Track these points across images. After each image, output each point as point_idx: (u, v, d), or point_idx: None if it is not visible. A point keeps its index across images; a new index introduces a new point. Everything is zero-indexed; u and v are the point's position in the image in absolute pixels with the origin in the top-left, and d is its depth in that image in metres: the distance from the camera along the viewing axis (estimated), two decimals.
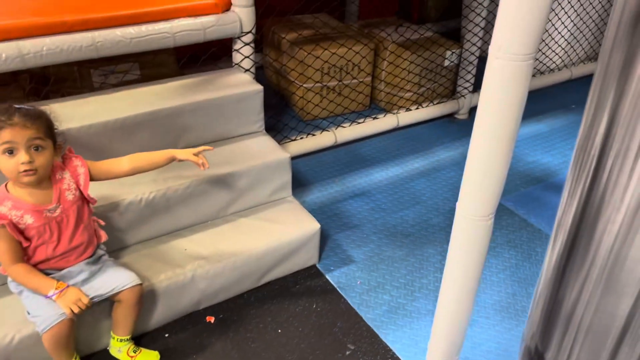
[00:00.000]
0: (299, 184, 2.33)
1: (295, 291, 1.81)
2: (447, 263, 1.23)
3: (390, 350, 1.62)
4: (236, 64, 2.14)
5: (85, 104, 1.81)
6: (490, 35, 0.96)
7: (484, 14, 2.72)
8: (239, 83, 2.00)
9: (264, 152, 1.94)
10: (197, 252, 1.70)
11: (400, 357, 1.60)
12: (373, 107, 2.96)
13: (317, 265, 1.93)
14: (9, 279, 1.40)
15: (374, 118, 2.70)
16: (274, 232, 1.81)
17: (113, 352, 1.54)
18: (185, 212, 1.78)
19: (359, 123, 2.66)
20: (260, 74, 2.13)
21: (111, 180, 1.52)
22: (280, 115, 2.78)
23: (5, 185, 1.33)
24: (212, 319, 1.69)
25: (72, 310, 1.31)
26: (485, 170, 1.04)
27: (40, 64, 1.71)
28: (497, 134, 0.98)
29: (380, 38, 2.89)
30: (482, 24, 2.75)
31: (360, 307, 1.76)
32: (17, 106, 1.26)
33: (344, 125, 2.62)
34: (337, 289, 1.83)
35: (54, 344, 1.36)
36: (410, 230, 2.12)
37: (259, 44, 2.16)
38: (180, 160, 1.53)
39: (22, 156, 1.24)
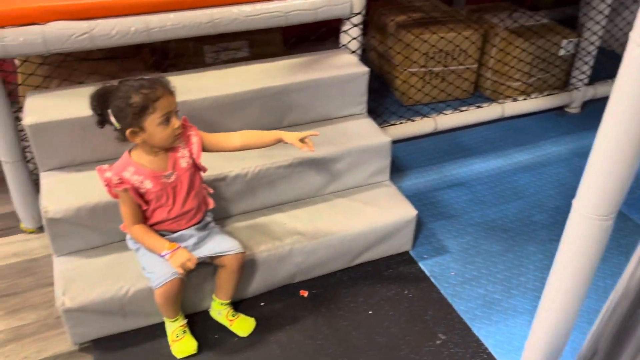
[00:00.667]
0: (397, 169, 2.31)
1: (388, 275, 1.82)
2: (556, 262, 1.17)
3: (483, 344, 1.59)
4: (343, 45, 2.15)
5: (200, 78, 1.90)
6: (615, 24, 0.88)
7: (608, 0, 2.52)
8: (345, 64, 2.01)
9: (365, 134, 1.94)
10: (295, 227, 1.75)
11: (493, 353, 1.56)
12: (477, 95, 2.86)
13: (410, 252, 1.91)
14: (128, 237, 1.53)
15: (478, 107, 2.61)
16: (370, 215, 1.81)
17: (213, 314, 1.63)
18: (286, 188, 1.83)
19: (462, 111, 2.58)
20: (362, 57, 2.12)
21: (221, 153, 1.59)
22: (381, 99, 2.77)
23: (129, 152, 1.43)
24: (305, 293, 1.74)
25: (182, 269, 1.40)
26: (611, 166, 0.97)
27: (164, 38, 1.81)
28: (630, 127, 0.92)
29: (491, 24, 2.78)
30: (606, 12, 2.55)
31: (453, 299, 1.73)
32: (152, 77, 1.36)
33: (446, 112, 2.56)
34: (430, 277, 1.81)
35: (165, 299, 1.47)
36: (510, 226, 2.04)
37: (364, 25, 2.15)
38: (286, 143, 1.56)
39: (175, 121, 1.36)
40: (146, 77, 1.35)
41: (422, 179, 2.30)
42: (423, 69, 2.69)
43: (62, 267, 1.58)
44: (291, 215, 1.81)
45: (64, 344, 1.57)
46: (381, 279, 1.80)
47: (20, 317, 1.66)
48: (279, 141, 1.56)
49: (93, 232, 1.62)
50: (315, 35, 2.23)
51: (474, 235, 2.00)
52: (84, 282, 1.53)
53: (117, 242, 1.65)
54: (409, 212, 1.84)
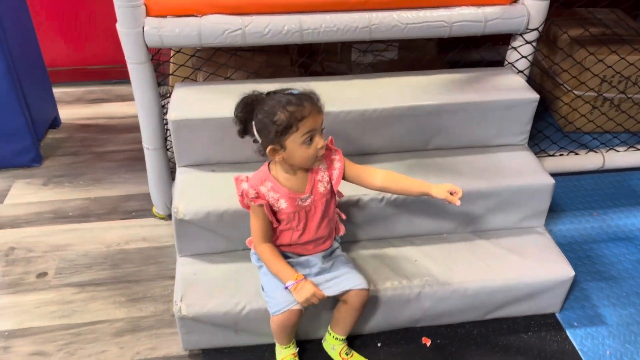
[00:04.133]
0: (549, 208, 2.02)
1: (527, 339, 1.57)
2: None
3: None
4: (509, 63, 1.89)
5: (346, 87, 1.76)
6: None
7: None
8: (510, 87, 1.76)
9: (524, 171, 1.69)
10: (427, 267, 1.57)
11: None
12: None
13: (557, 315, 1.64)
14: (252, 251, 1.45)
15: None
16: (517, 267, 1.57)
17: (327, 347, 1.51)
18: (423, 220, 1.65)
19: (637, 149, 2.19)
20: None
21: None
22: (537, 121, 2.44)
23: (268, 165, 1.34)
24: (428, 342, 1.56)
25: (305, 303, 1.30)
26: None
27: (316, 40, 1.70)
28: None
29: None
30: None
31: None
32: (302, 93, 1.24)
33: (618, 148, 2.19)
34: (579, 351, 1.54)
35: (281, 327, 1.37)
36: None
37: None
38: (433, 197, 1.36)
39: (319, 141, 1.24)
40: (295, 93, 1.23)
41: (579, 225, 1.98)
42: (593, 93, 2.32)
43: (184, 269, 1.55)
44: (424, 251, 1.62)
45: (176, 345, 1.55)
46: (518, 342, 1.56)
47: (140, 307, 1.67)
48: (425, 195, 1.36)
49: (219, 237, 1.57)
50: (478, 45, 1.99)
51: (639, 307, 1.67)
52: (203, 289, 1.48)
53: (240, 251, 1.59)
54: (564, 270, 1.57)
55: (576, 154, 2.17)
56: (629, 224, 1.99)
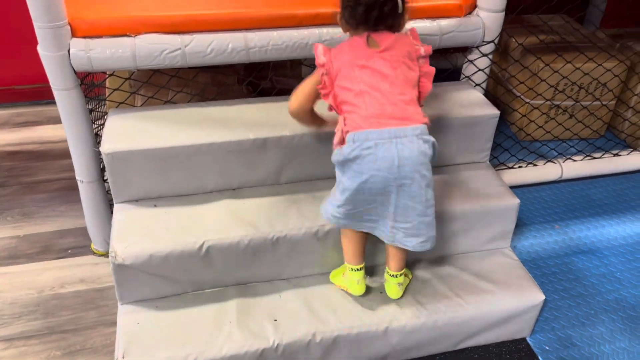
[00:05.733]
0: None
1: None
2: None
3: None
4: (465, 77, 1.82)
5: None
6: None
7: None
8: (471, 103, 1.69)
9: (488, 191, 1.62)
10: (394, 299, 1.47)
11: None
12: (608, 138, 2.42)
13: (528, 340, 1.57)
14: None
15: (616, 154, 2.19)
16: (487, 294, 1.49)
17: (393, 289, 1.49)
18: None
19: (594, 158, 2.18)
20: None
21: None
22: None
23: None
24: None
25: None
26: None
27: (264, 59, 1.57)
28: None
29: (639, 54, 2.33)
30: None
31: None
32: None
33: (575, 158, 2.17)
34: None
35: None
36: None
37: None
38: None
39: None
40: None
41: (542, 240, 1.93)
42: (548, 103, 2.30)
43: (126, 319, 1.38)
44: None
45: None
46: None
47: None
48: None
49: (164, 281, 1.42)
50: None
51: (608, 325, 1.62)
52: (148, 341, 1.32)
53: (189, 294, 1.44)
54: (534, 295, 1.50)
55: (535, 165, 2.13)
56: (591, 235, 1.96)
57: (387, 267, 1.45)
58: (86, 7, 1.51)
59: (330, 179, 1.41)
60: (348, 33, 1.32)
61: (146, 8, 1.54)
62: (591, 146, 2.28)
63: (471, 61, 1.78)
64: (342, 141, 1.26)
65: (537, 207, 2.09)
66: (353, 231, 1.38)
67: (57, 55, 1.42)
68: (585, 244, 1.92)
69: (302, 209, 1.50)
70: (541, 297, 1.50)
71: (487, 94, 2.53)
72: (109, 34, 1.47)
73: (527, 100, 2.31)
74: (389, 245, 1.39)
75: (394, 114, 1.22)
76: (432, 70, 1.31)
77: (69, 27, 1.43)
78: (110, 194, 1.65)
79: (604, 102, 2.33)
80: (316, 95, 1.34)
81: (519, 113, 2.36)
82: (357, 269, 1.42)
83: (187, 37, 1.50)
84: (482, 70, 1.78)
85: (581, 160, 2.16)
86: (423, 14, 1.66)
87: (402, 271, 1.45)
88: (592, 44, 2.33)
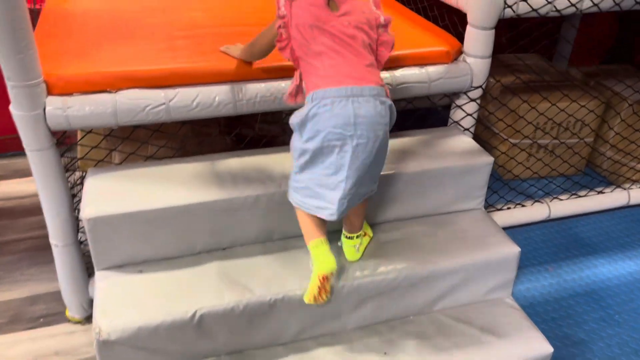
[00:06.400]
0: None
1: None
2: None
3: None
4: (454, 122, 1.80)
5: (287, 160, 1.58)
6: None
7: None
8: (463, 151, 1.66)
9: (487, 240, 1.58)
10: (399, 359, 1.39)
11: None
12: (588, 173, 2.44)
13: None
14: None
15: (600, 192, 2.20)
16: (491, 348, 1.43)
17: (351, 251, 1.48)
18: (388, 303, 1.48)
19: (580, 196, 2.18)
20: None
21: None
22: None
23: None
24: None
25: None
26: None
27: (252, 111, 1.52)
28: None
29: (614, 91, 2.38)
30: None
31: None
32: None
33: (561, 197, 2.17)
34: None
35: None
36: None
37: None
38: None
39: None
40: None
41: (537, 284, 1.90)
42: (528, 141, 2.31)
43: None
44: (391, 340, 1.44)
45: None
46: None
47: None
48: None
49: (153, 354, 1.30)
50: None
51: None
52: None
53: None
54: (542, 347, 1.45)
55: (523, 205, 2.12)
56: (585, 277, 1.94)
57: (343, 231, 1.45)
58: (62, 62, 1.43)
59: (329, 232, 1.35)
60: None
61: (126, 62, 1.47)
62: (575, 184, 2.29)
63: (459, 106, 1.76)
64: (295, 93, 1.31)
65: (529, 248, 2.06)
66: None
67: (31, 115, 1.32)
68: (580, 286, 1.90)
69: (298, 267, 1.42)
70: (549, 349, 1.45)
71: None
72: (87, 90, 1.39)
73: (506, 138, 2.32)
74: None
75: (350, 74, 1.22)
76: (391, 39, 1.32)
77: (44, 85, 1.34)
78: (88, 255, 1.53)
79: (583, 138, 2.35)
80: (272, 47, 1.36)
81: (499, 150, 2.36)
82: (324, 241, 1.34)
83: (170, 92, 1.43)
84: (470, 115, 1.77)
85: (567, 199, 2.16)
86: (411, 62, 1.64)
87: (359, 232, 1.45)
88: (565, 81, 2.37)
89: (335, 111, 1.19)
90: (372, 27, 1.28)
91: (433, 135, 1.73)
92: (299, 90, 1.31)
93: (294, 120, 1.26)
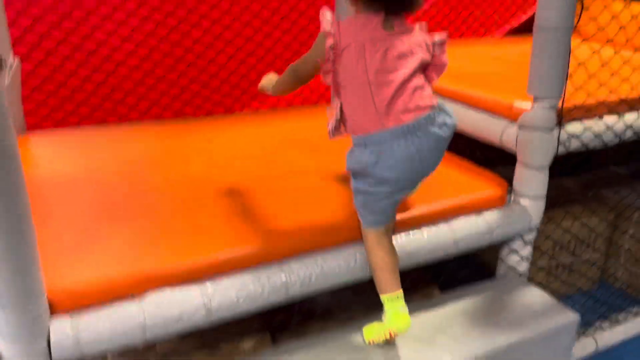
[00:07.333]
0: None
1: None
2: None
3: None
4: (509, 267, 1.60)
5: None
6: None
7: None
8: (538, 309, 1.43)
9: None
10: None
11: None
12: (603, 286, 2.33)
13: None
14: None
15: (637, 313, 2.06)
16: None
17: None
18: None
19: (619, 322, 2.03)
20: None
21: None
22: None
23: None
24: None
25: None
26: None
27: (306, 294, 1.22)
28: None
29: (619, 202, 2.33)
30: None
31: None
32: None
33: (602, 325, 2.00)
34: None
35: None
36: None
37: None
38: None
39: None
40: None
41: None
42: (552, 262, 2.17)
43: None
44: None
45: None
46: None
47: None
48: None
49: None
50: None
51: None
52: None
53: None
54: None
55: None
56: None
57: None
58: (66, 265, 1.08)
59: None
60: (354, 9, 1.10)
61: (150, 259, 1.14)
62: (594, 298, 2.15)
63: (516, 251, 1.57)
64: (338, 127, 1.18)
65: None
66: (387, 235, 1.21)
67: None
68: None
69: None
70: None
71: (474, 256, 2.37)
72: (103, 301, 1.04)
73: (531, 263, 2.17)
74: None
75: (406, 106, 1.07)
76: (447, 63, 1.14)
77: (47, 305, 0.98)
78: None
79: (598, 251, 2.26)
80: (312, 74, 1.17)
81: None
82: (400, 295, 1.18)
83: (207, 287, 1.11)
84: (525, 259, 1.58)
85: (609, 327, 1.99)
86: (467, 210, 1.45)
87: None
88: (573, 199, 2.30)
89: (397, 155, 1.07)
90: (429, 45, 1.13)
91: (499, 291, 1.50)
92: (341, 124, 1.18)
93: (351, 167, 1.15)
